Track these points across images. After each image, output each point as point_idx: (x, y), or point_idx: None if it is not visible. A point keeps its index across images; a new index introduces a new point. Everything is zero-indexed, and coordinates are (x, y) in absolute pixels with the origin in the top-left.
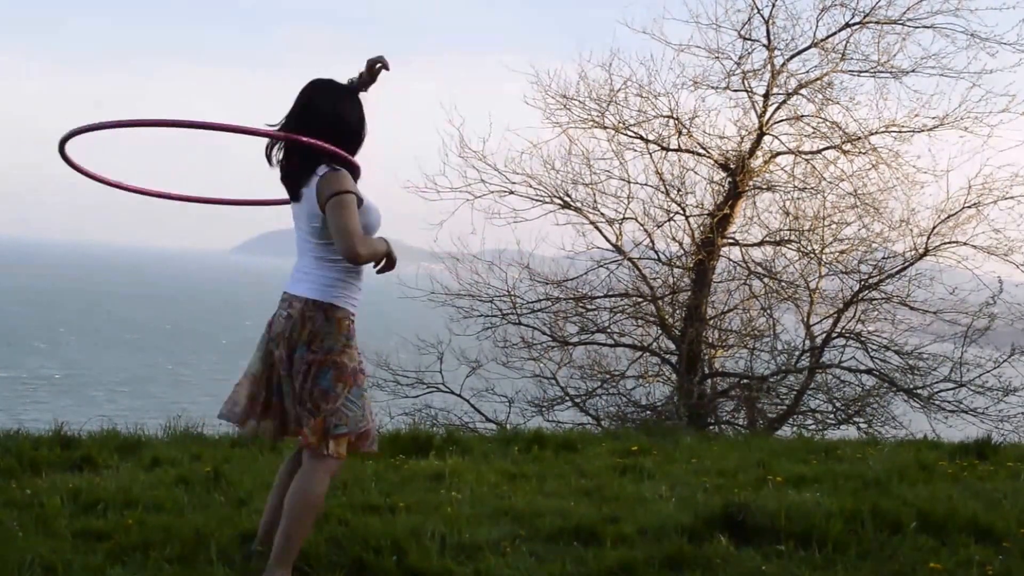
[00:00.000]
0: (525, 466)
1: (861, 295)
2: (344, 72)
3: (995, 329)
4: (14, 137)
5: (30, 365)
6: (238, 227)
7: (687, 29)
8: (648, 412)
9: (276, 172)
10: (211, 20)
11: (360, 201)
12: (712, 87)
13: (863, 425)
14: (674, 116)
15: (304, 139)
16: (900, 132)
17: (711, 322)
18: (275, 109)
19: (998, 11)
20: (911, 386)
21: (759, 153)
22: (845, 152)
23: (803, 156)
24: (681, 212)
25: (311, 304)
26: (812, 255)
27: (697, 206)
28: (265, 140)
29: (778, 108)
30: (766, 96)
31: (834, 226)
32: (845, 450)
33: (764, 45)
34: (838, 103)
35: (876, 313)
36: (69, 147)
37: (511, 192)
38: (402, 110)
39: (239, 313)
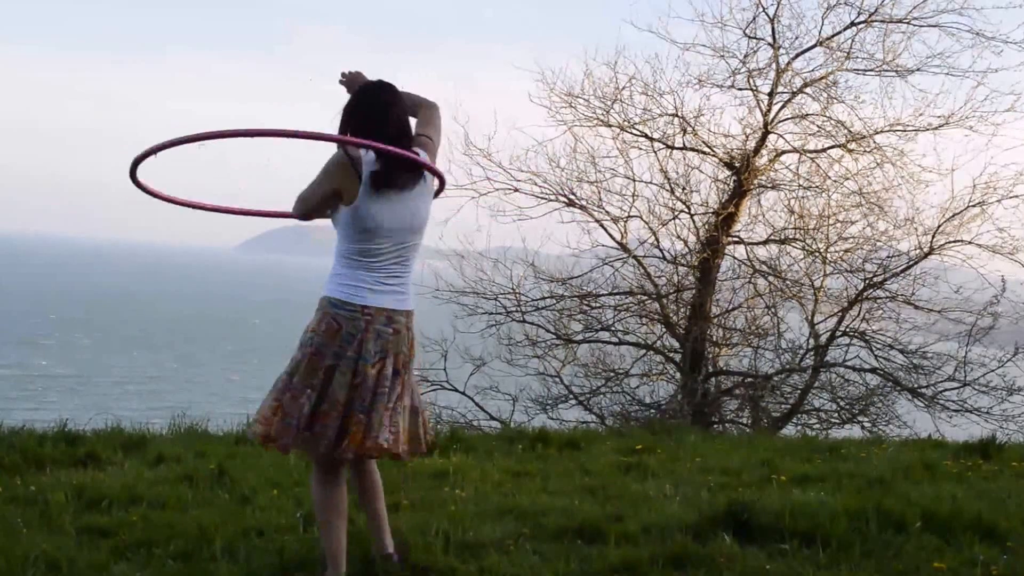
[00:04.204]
0: (529, 464)
1: (865, 294)
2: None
3: (999, 328)
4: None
5: (34, 363)
6: (242, 225)
7: (692, 28)
8: (652, 410)
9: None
10: (208, 11)
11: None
12: (717, 85)
13: (867, 424)
14: (679, 114)
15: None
16: (905, 131)
17: (715, 320)
18: (273, 104)
19: (1003, 10)
20: (915, 385)
21: (764, 151)
22: (850, 151)
23: (808, 155)
24: (686, 210)
25: (412, 316)
26: (817, 254)
27: (702, 204)
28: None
29: (783, 107)
30: (771, 95)
31: (839, 225)
32: (849, 449)
33: (769, 44)
34: (843, 102)
35: (880, 312)
36: (140, 171)
37: (516, 190)
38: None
39: (246, 311)
